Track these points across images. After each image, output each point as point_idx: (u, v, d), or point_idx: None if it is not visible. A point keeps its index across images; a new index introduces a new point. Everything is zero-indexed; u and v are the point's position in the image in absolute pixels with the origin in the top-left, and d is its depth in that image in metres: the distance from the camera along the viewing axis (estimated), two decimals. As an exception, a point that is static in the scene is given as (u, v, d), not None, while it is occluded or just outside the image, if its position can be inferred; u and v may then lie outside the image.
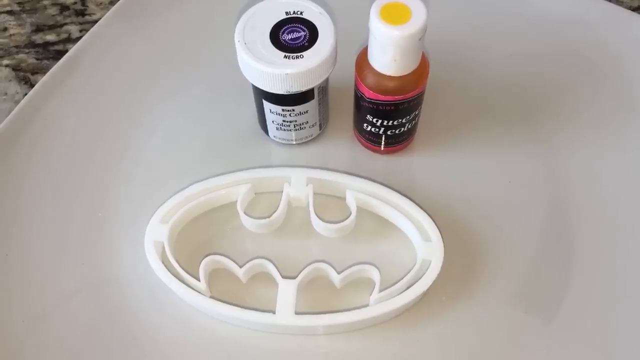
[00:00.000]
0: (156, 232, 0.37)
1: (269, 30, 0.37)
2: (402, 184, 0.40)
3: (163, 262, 0.36)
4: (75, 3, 0.53)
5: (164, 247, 0.37)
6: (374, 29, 0.33)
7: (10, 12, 0.53)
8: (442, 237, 0.37)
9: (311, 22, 0.37)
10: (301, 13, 0.37)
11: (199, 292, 0.35)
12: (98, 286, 0.38)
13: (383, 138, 0.40)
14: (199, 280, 0.36)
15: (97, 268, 0.38)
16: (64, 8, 0.53)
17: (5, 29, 0.52)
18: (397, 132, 0.40)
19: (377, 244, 0.39)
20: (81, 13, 0.53)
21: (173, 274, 0.36)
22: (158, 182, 0.41)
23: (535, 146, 0.42)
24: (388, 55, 0.34)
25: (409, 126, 0.40)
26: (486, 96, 0.44)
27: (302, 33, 0.37)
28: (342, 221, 0.37)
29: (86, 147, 0.43)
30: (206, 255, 0.37)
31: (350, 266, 0.36)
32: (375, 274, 0.36)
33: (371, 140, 0.41)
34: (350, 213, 0.38)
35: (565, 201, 0.40)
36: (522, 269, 0.38)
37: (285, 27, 0.37)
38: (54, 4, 0.53)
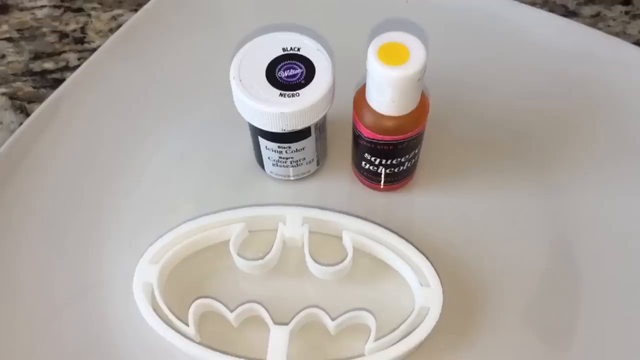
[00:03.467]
0: (146, 273, 0.36)
1: (265, 67, 0.36)
2: (401, 223, 0.39)
3: (152, 304, 0.35)
4: (74, 31, 0.53)
5: (153, 289, 0.36)
6: (372, 70, 0.32)
7: (9, 39, 0.52)
8: (441, 282, 0.35)
9: (308, 59, 0.36)
10: (298, 49, 0.36)
11: (188, 338, 0.34)
12: (85, 325, 0.37)
13: (382, 176, 0.39)
14: (188, 325, 0.34)
15: (85, 306, 0.37)
16: (63, 36, 0.53)
17: (4, 56, 0.51)
18: (396, 170, 0.38)
19: (374, 287, 0.37)
20: (80, 41, 0.52)
21: (162, 317, 0.35)
22: (150, 219, 0.40)
23: (538, 185, 0.41)
24: (386, 96, 0.33)
25: (409, 165, 0.38)
26: (488, 133, 0.43)
27: (299, 70, 0.36)
28: (338, 264, 0.36)
29: (77, 182, 0.42)
30: (196, 298, 0.35)
31: (345, 312, 0.35)
32: (370, 321, 0.35)
33: (370, 178, 0.40)
34: (347, 254, 0.37)
35: (571, 243, 0.39)
36: (526, 316, 0.37)
37: (281, 64, 0.36)
38: (53, 32, 0.53)
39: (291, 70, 0.36)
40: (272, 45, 0.37)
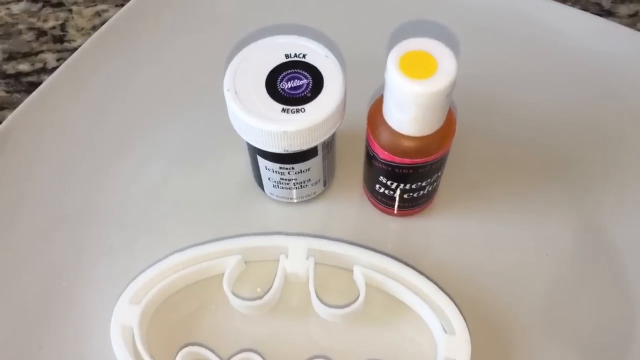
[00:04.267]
0: (125, 315, 0.31)
1: (265, 77, 0.31)
2: (418, 253, 0.34)
3: (133, 352, 0.30)
4: (54, 28, 0.48)
5: (134, 334, 0.31)
6: (391, 83, 0.27)
7: (-20, 37, 0.47)
8: (468, 328, 0.30)
9: (315, 68, 0.31)
10: (304, 56, 0.31)
11: (174, 393, 0.29)
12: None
13: (397, 201, 0.34)
14: (174, 378, 0.30)
15: (55, 351, 0.32)
16: (41, 33, 0.47)
17: (-26, 56, 0.46)
18: (414, 195, 0.33)
19: (390, 331, 0.32)
20: (60, 40, 0.47)
21: (143, 368, 0.30)
22: (132, 249, 0.35)
23: (578, 211, 0.36)
24: (408, 114, 0.28)
25: (429, 189, 0.33)
26: (519, 150, 0.38)
27: (305, 81, 0.30)
28: (349, 305, 0.31)
29: (49, 202, 0.37)
30: (184, 346, 0.31)
31: (357, 365, 0.30)
32: (387, 375, 0.30)
33: (383, 202, 0.35)
34: (358, 293, 0.32)
35: (617, 279, 0.34)
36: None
37: (284, 73, 0.31)
38: (30, 29, 0.48)
39: (295, 80, 0.31)
40: (273, 51, 0.31)
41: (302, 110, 0.30)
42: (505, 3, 0.43)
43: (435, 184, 0.34)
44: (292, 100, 0.30)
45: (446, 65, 0.27)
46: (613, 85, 0.40)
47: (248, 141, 0.31)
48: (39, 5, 0.49)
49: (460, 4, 0.43)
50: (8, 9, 0.49)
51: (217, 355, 0.30)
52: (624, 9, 0.47)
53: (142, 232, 0.36)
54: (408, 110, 0.28)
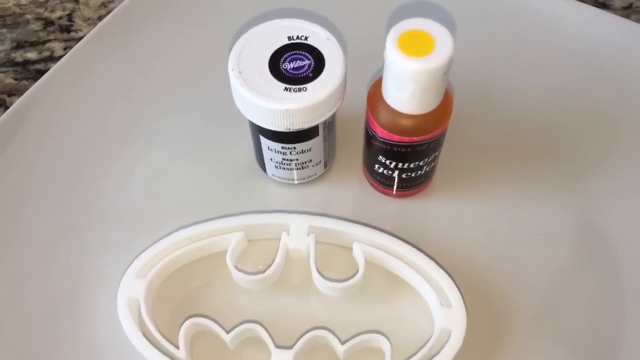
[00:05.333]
0: (131, 287, 0.32)
1: (268, 58, 0.32)
2: (417, 233, 0.35)
3: (139, 323, 0.31)
4: (61, 18, 0.49)
5: (140, 306, 0.32)
6: (390, 61, 0.28)
7: (-11, 27, 0.48)
8: (464, 301, 0.31)
9: (317, 49, 0.32)
10: (306, 38, 0.32)
11: (179, 362, 0.30)
12: (65, 344, 0.33)
13: (396, 181, 0.35)
14: (179, 348, 0.30)
15: (65, 324, 0.33)
16: (48, 23, 0.48)
17: (-17, 45, 0.47)
18: (412, 175, 0.34)
19: (388, 306, 0.33)
20: (66, 29, 0.48)
21: (149, 338, 0.31)
22: (138, 227, 0.36)
23: (572, 193, 0.37)
24: (406, 92, 0.29)
25: (427, 169, 0.34)
26: (515, 134, 0.39)
27: (306, 62, 0.32)
28: (348, 279, 0.32)
29: (56, 184, 0.38)
30: (188, 317, 0.31)
31: (356, 335, 0.31)
32: (385, 345, 0.31)
33: (382, 182, 0.36)
34: (357, 269, 0.33)
35: (610, 259, 0.35)
36: (559, 340, 0.33)
37: (286, 55, 0.32)
38: (37, 19, 0.49)
39: (298, 61, 0.32)
40: (276, 34, 0.33)
41: (304, 89, 0.31)
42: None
43: (432, 164, 0.35)
44: (294, 79, 0.31)
45: (443, 44, 0.28)
46: (607, 73, 0.41)
47: (251, 120, 0.32)
48: (47, -4, 0.50)
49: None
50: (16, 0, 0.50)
51: (221, 326, 0.31)
52: (618, 2, 0.48)
53: (148, 214, 0.37)
54: (406, 88, 0.29)
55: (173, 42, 0.44)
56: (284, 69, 0.31)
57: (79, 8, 0.49)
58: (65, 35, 0.48)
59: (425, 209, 0.37)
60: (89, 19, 0.49)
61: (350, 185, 0.38)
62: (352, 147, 0.38)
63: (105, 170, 0.38)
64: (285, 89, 0.31)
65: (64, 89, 0.41)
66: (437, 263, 0.33)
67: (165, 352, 0.30)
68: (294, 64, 0.31)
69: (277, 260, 0.33)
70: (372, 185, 0.37)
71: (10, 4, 0.50)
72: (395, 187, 0.36)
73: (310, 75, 0.31)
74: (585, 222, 0.36)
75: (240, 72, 0.31)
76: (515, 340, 0.32)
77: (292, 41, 0.32)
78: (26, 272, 0.35)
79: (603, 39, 0.42)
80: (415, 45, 0.28)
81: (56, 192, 0.37)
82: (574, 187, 0.37)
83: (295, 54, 0.32)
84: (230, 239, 0.34)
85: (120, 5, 0.45)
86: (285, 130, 0.32)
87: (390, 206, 0.37)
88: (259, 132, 0.34)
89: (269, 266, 0.33)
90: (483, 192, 0.37)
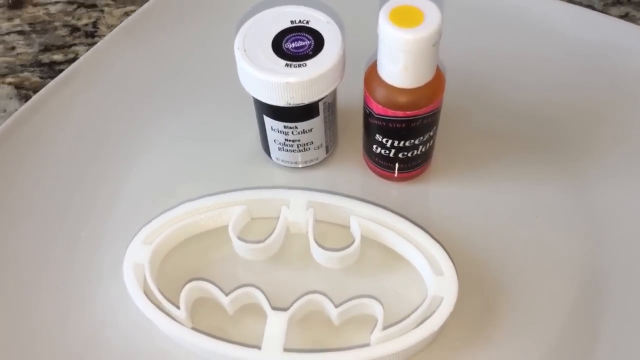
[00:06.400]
0: (138, 253, 0.34)
1: (272, 39, 0.34)
2: (416, 215, 0.36)
3: (143, 288, 0.33)
4: (86, 25, 0.52)
5: (145, 271, 0.33)
6: (383, 34, 0.30)
7: (20, 32, 0.52)
8: (456, 271, 0.32)
9: (317, 31, 0.34)
10: (307, 22, 0.35)
11: (179, 322, 0.31)
12: (73, 306, 0.34)
13: (395, 162, 0.37)
14: (179, 309, 0.32)
15: (75, 287, 0.35)
16: (74, 29, 0.52)
17: (13, 48, 0.51)
18: (409, 155, 0.36)
19: (383, 277, 0.34)
20: (91, 35, 0.51)
21: (152, 300, 0.32)
22: (147, 202, 0.38)
23: (565, 179, 0.38)
24: (399, 64, 0.31)
25: (423, 149, 0.36)
26: (511, 123, 0.41)
27: (307, 42, 0.34)
28: (345, 249, 0.33)
29: (77, 163, 0.40)
30: (189, 281, 0.33)
31: (350, 299, 0.32)
32: (378, 310, 0.32)
33: (382, 164, 0.37)
34: (354, 240, 0.34)
35: (598, 241, 0.36)
36: (547, 314, 0.33)
37: (289, 36, 0.34)
38: (65, 26, 0.52)
39: (299, 42, 0.34)
40: (280, 18, 0.35)
41: (304, 65, 0.33)
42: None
43: (428, 144, 0.36)
44: (295, 57, 0.33)
45: (431, 16, 0.30)
46: (603, 70, 0.43)
47: (255, 95, 0.34)
48: (74, 6, 0.54)
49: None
50: (46, 9, 0.53)
51: (220, 290, 0.33)
52: (614, 10, 0.50)
53: (160, 188, 0.38)
54: (399, 59, 0.31)
55: (186, 36, 0.47)
56: (286, 48, 0.34)
57: (104, 17, 0.53)
58: (89, 40, 0.51)
59: (425, 192, 0.38)
60: (112, 26, 0.52)
61: (352, 171, 0.39)
62: (353, 138, 0.40)
63: (123, 152, 0.40)
64: (287, 65, 0.33)
65: (84, 81, 0.44)
66: (431, 236, 0.34)
67: (166, 312, 0.32)
68: (296, 44, 0.34)
69: (277, 230, 0.34)
70: (372, 169, 0.39)
71: (41, 12, 0.53)
72: (396, 169, 0.37)
73: (310, 53, 0.33)
74: (578, 206, 0.37)
75: (245, 51, 0.33)
76: (504, 312, 0.33)
77: (294, 25, 0.35)
78: (43, 239, 0.37)
79: (598, 39, 0.44)
80: (406, 18, 0.30)
81: (77, 171, 0.40)
82: (568, 174, 0.38)
83: (297, 35, 0.34)
84: (233, 211, 0.35)
85: (139, 10, 0.48)
86: (287, 105, 0.34)
87: (391, 189, 0.38)
88: (263, 112, 0.36)
89: (269, 236, 0.34)
90: (479, 176, 0.38)
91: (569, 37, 0.44)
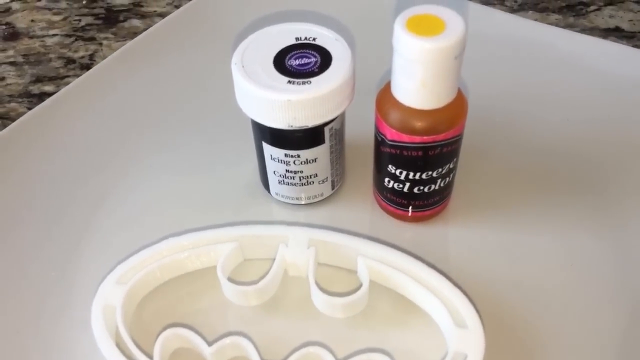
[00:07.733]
0: (110, 294, 0.29)
1: (274, 55, 0.30)
2: (433, 260, 0.32)
3: (115, 335, 0.28)
4: (82, 57, 0.49)
5: (116, 315, 0.28)
6: (399, 44, 0.27)
7: (12, 63, 0.49)
8: (482, 323, 0.27)
9: (324, 49, 0.31)
10: (314, 39, 0.31)
11: (151, 376, 0.26)
12: (36, 351, 0.29)
13: (410, 200, 0.32)
14: None
15: (34, 336, 0.30)
16: (69, 61, 0.49)
17: (3, 79, 0.48)
18: (426, 190, 0.32)
19: (394, 328, 0.29)
20: (87, 67, 0.48)
21: (122, 350, 0.27)
22: (127, 235, 0.33)
23: (604, 224, 0.34)
24: (415, 79, 0.27)
25: (442, 184, 0.32)
26: (539, 164, 0.36)
27: (313, 59, 0.30)
28: (350, 294, 0.28)
29: (61, 195, 0.36)
30: (166, 328, 0.28)
31: (355, 353, 0.27)
32: (389, 367, 0.26)
33: (394, 202, 0.33)
34: (361, 285, 0.29)
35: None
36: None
37: (293, 53, 0.31)
38: (60, 58, 0.49)
39: (304, 58, 0.30)
40: (284, 35, 0.32)
41: (308, 82, 0.29)
42: (529, 30, 0.43)
43: (447, 178, 0.32)
44: (299, 74, 0.30)
45: (454, 25, 0.26)
46: (633, 106, 0.39)
47: (252, 116, 0.30)
48: (72, 39, 0.51)
49: (480, 33, 0.43)
50: (42, 41, 0.51)
51: (203, 338, 0.28)
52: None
53: (138, 221, 0.34)
54: (416, 74, 0.27)
55: (181, 63, 0.44)
56: (289, 65, 0.30)
57: (102, 49, 0.50)
58: (84, 72, 0.48)
59: (444, 235, 0.34)
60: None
61: (361, 210, 0.35)
62: (363, 173, 0.35)
63: (110, 185, 0.37)
64: (289, 82, 0.29)
65: (71, 109, 0.41)
66: (452, 280, 0.29)
67: (137, 364, 0.27)
68: (300, 61, 0.30)
69: (273, 271, 0.30)
70: (384, 208, 0.34)
71: (37, 44, 0.51)
72: (410, 207, 0.33)
73: (316, 70, 0.30)
74: (619, 254, 0.32)
75: (243, 67, 0.30)
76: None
77: (299, 41, 0.31)
78: (9, 272, 0.32)
79: (631, 73, 0.40)
80: (425, 27, 0.26)
81: (60, 204, 0.36)
82: (607, 217, 0.34)
83: (302, 52, 0.31)
84: (223, 249, 0.31)
85: (133, 40, 0.46)
86: (288, 128, 0.30)
87: (405, 231, 0.34)
88: (262, 137, 0.32)
89: (264, 277, 0.29)
90: (506, 218, 0.34)
91: (599, 72, 0.41)
